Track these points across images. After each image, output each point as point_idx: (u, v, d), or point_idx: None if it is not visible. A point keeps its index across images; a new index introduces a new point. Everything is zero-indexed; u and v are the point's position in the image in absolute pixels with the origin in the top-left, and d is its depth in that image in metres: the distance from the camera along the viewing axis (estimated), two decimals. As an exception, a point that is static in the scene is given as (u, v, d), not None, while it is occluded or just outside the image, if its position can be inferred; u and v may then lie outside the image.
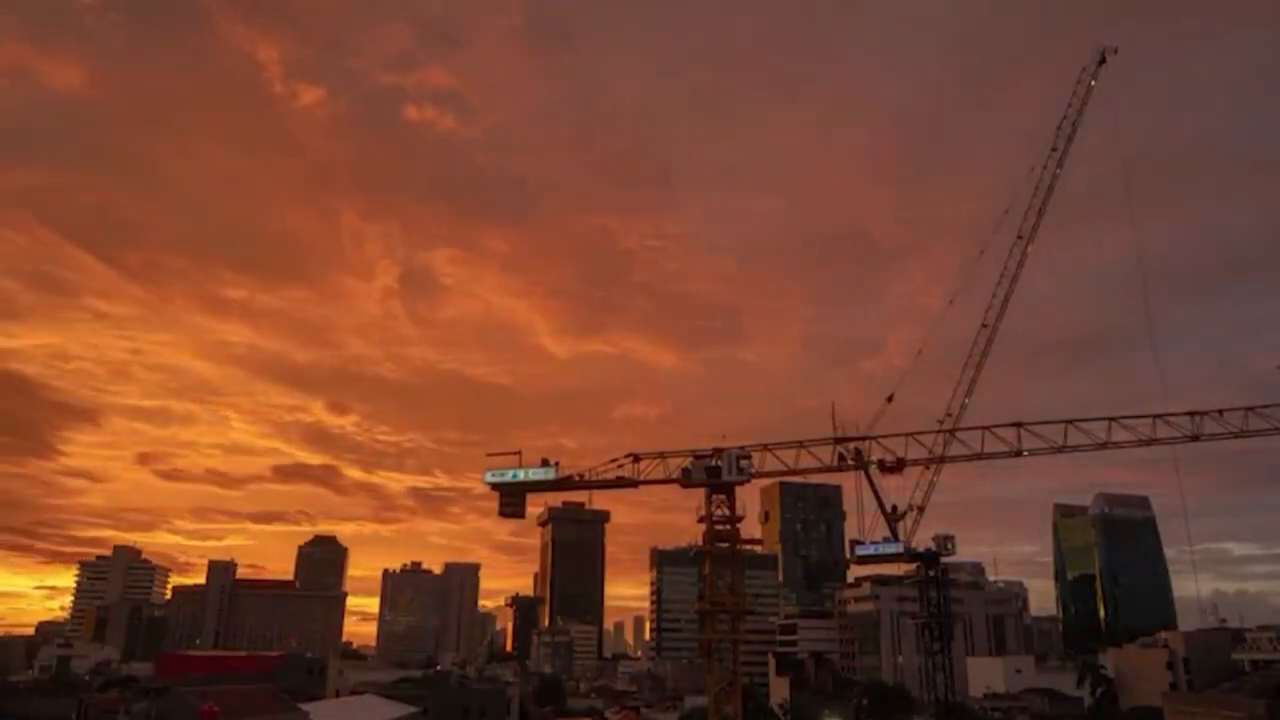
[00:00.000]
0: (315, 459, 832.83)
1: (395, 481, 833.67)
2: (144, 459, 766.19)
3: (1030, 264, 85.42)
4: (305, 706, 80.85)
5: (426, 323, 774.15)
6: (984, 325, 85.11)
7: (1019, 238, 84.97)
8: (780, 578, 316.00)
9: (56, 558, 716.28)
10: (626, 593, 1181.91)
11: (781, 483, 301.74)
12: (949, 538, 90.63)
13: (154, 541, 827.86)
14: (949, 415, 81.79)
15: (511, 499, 73.77)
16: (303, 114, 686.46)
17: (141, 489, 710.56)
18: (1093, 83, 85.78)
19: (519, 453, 73.85)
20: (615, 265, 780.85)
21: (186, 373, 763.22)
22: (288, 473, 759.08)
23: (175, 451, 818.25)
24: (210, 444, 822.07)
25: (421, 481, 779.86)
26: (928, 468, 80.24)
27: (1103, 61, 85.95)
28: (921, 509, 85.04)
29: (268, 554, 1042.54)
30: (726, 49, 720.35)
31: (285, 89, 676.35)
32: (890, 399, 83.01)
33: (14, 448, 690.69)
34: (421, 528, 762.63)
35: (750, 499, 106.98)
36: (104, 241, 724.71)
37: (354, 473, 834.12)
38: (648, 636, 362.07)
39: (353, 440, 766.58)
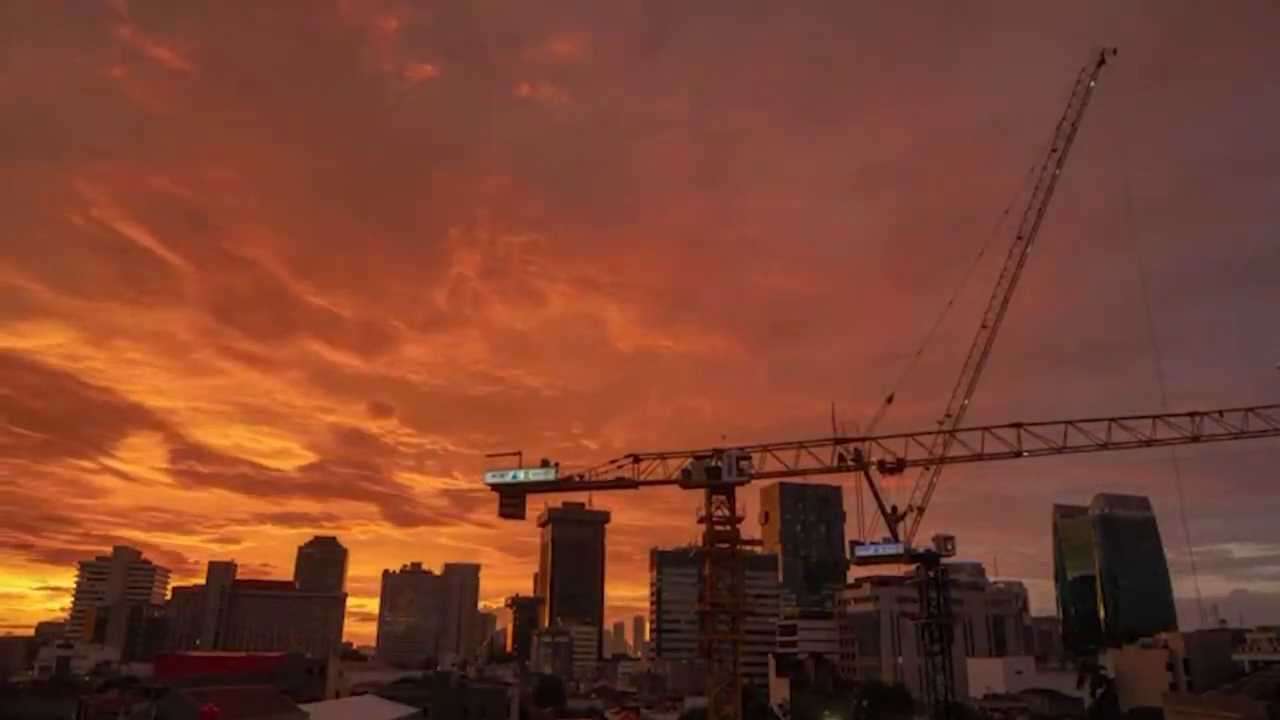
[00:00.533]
0: (344, 462, 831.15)
1: (420, 484, 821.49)
2: (176, 458, 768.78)
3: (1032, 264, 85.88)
4: (305, 707, 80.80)
5: (492, 319, 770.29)
6: (983, 326, 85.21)
7: (1019, 238, 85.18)
8: (780, 578, 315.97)
9: (61, 557, 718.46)
10: (626, 593, 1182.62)
11: (781, 483, 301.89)
12: (949, 538, 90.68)
13: (170, 542, 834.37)
14: (949, 416, 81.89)
15: (511, 500, 73.81)
16: (404, 95, 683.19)
17: (169, 490, 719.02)
18: (1091, 84, 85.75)
19: (519, 453, 74.08)
20: (700, 258, 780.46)
21: (226, 373, 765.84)
22: (314, 476, 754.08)
23: (207, 452, 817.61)
24: (241, 445, 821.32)
25: (440, 483, 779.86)
26: (928, 468, 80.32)
27: (1101, 63, 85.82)
28: (921, 509, 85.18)
29: (286, 555, 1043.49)
30: (832, 49, 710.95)
31: (394, 66, 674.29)
32: (890, 400, 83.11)
33: (51, 445, 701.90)
34: (436, 529, 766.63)
35: (750, 500, 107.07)
36: (174, 229, 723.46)
37: (386, 475, 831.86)
38: (648, 637, 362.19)
39: (382, 444, 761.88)
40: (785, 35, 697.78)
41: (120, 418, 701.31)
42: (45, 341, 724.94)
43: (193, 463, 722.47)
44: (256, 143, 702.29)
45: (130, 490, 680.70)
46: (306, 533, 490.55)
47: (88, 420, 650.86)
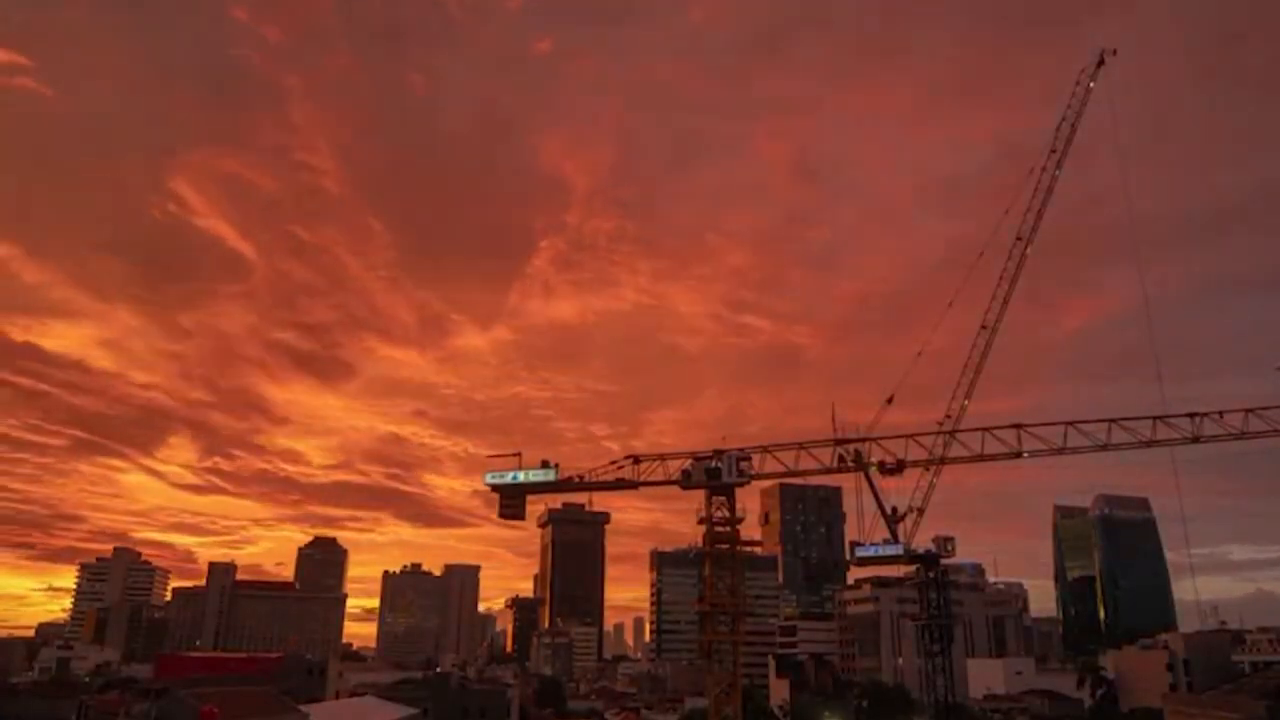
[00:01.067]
0: (374, 461, 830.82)
1: (443, 485, 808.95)
2: (204, 457, 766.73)
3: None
4: (305, 708, 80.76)
5: (557, 313, 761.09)
6: (983, 327, 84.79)
7: (1018, 239, 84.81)
8: (780, 579, 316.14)
9: (73, 556, 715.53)
10: (626, 594, 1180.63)
11: (781, 484, 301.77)
12: (949, 539, 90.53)
13: (184, 542, 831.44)
14: (948, 417, 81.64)
15: (511, 501, 73.92)
16: (516, 73, 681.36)
17: (195, 490, 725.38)
18: (1091, 84, 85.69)
19: (519, 454, 74.21)
20: (787, 250, 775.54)
21: (268, 370, 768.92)
22: (341, 476, 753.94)
23: (236, 453, 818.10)
24: (272, 446, 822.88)
25: (463, 484, 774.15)
26: (928, 469, 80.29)
27: (1101, 63, 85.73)
28: (921, 510, 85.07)
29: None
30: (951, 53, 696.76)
31: (532, 44, 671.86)
32: (890, 400, 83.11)
33: (84, 444, 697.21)
34: (452, 531, 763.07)
35: (750, 501, 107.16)
36: (248, 216, 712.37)
37: (415, 477, 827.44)
38: (648, 638, 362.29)
39: (413, 446, 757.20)
40: (914, 41, 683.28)
41: (161, 416, 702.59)
42: (86, 337, 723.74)
43: (217, 460, 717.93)
44: (349, 120, 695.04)
45: (155, 490, 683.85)
46: (326, 534, 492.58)
47: (126, 419, 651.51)
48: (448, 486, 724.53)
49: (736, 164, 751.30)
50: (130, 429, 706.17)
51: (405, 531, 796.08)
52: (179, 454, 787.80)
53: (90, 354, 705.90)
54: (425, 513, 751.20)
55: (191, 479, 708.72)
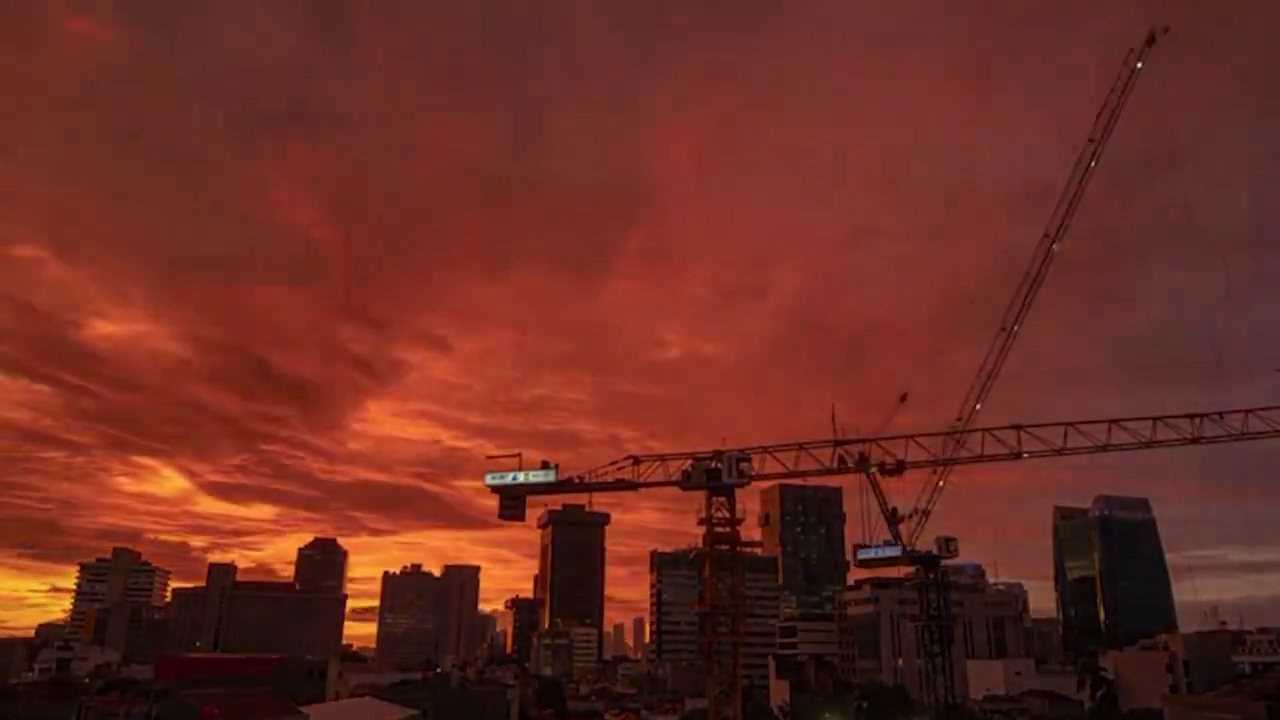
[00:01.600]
0: (403, 465, 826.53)
1: (465, 488, 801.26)
2: (235, 452, 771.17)
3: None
4: (305, 709, 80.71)
5: (623, 318, 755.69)
6: (1002, 329, 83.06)
7: (1045, 235, 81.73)
8: (780, 580, 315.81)
9: (70, 556, 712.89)
10: (627, 595, 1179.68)
11: (781, 485, 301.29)
12: (950, 540, 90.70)
13: (199, 543, 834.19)
14: (959, 419, 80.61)
15: (512, 501, 73.89)
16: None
17: (222, 492, 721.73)
18: (1139, 65, 78.01)
19: (519, 455, 74.11)
20: (860, 252, 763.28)
21: (300, 375, 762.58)
22: (373, 475, 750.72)
23: (268, 451, 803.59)
24: (304, 446, 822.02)
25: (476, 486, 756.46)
26: (934, 471, 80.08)
27: (1151, 41, 77.79)
28: (927, 512, 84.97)
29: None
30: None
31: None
32: (904, 398, 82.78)
33: (115, 442, 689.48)
34: (472, 533, 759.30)
35: (750, 501, 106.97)
36: (338, 210, 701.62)
37: (442, 480, 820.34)
38: (648, 639, 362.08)
39: (443, 450, 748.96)
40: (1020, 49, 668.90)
41: (196, 412, 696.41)
42: (126, 333, 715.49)
43: (246, 458, 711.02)
44: (453, 105, 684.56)
45: (183, 488, 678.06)
46: (345, 536, 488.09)
47: (160, 416, 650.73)
48: (471, 487, 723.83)
49: (819, 163, 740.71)
50: (164, 426, 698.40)
51: (415, 534, 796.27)
52: (210, 452, 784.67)
53: (128, 350, 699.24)
54: (446, 513, 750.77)
55: (220, 477, 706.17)
